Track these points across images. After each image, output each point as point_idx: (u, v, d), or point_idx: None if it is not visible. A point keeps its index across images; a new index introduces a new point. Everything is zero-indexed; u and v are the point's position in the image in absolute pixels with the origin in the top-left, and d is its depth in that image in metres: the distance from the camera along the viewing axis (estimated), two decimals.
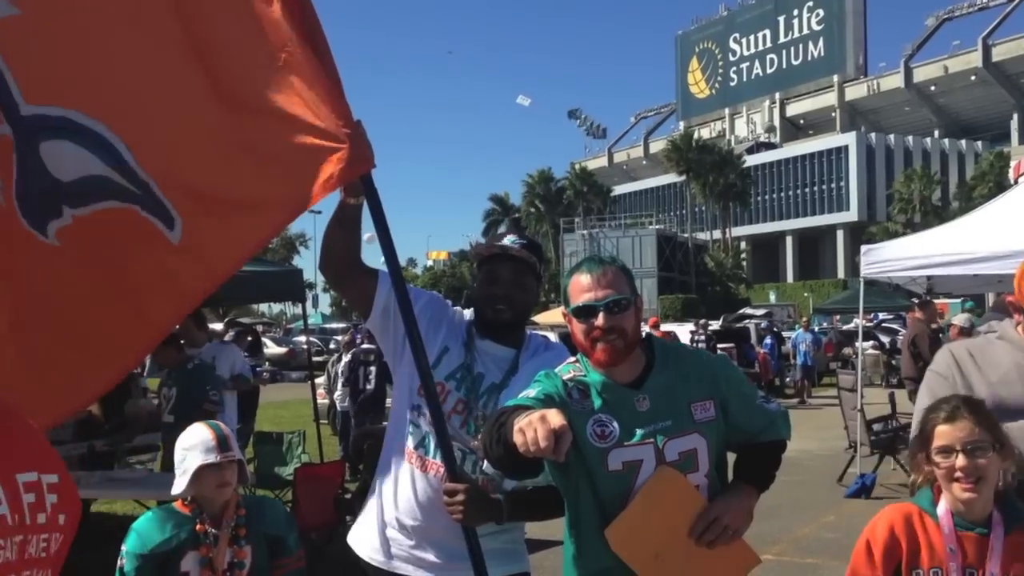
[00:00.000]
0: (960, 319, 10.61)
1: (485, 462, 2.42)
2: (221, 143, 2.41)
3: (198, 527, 3.10)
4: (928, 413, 2.28)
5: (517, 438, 1.91)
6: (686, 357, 2.42)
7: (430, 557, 2.59)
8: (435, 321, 2.64)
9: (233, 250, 2.51)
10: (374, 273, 2.71)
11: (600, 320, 2.25)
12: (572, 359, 2.40)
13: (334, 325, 44.04)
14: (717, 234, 76.58)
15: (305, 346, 34.92)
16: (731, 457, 2.46)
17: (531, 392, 2.24)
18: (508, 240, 2.69)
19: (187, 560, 3.06)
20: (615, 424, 2.24)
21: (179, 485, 3.10)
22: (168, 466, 6.84)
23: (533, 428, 1.87)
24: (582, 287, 2.30)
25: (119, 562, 3.04)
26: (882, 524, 2.30)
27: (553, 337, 3.12)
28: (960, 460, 2.17)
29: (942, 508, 2.23)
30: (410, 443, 2.62)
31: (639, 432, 2.24)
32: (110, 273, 2.64)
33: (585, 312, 2.28)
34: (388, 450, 2.73)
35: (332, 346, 32.46)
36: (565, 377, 2.30)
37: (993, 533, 2.17)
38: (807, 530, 8.26)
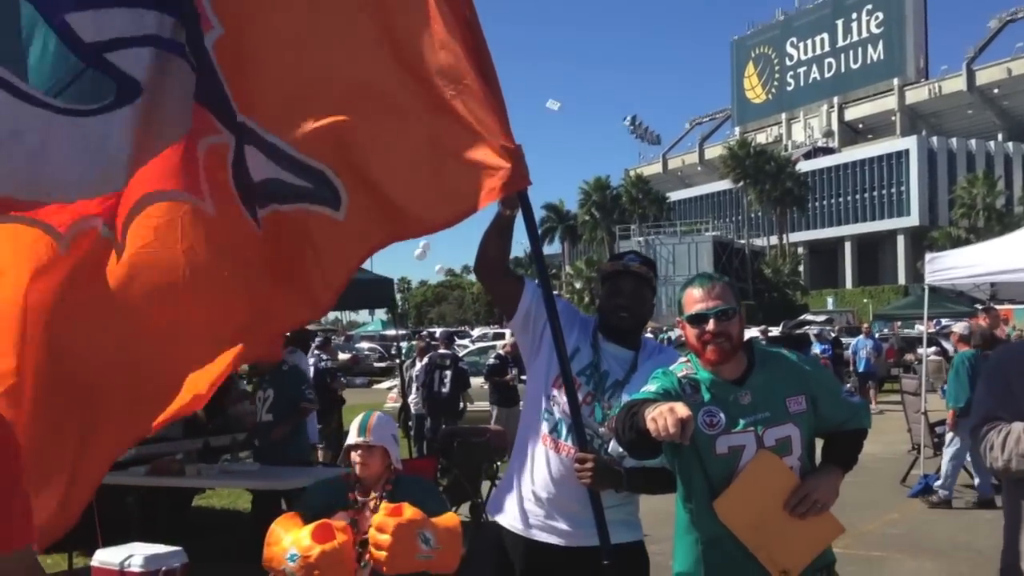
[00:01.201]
0: (960, 327, 10.81)
1: (610, 444, 2.89)
2: (399, 149, 2.89)
3: (349, 495, 3.80)
4: None
5: (650, 425, 2.35)
6: (781, 359, 2.84)
7: (562, 525, 3.05)
8: (568, 325, 3.09)
9: (393, 230, 3.00)
10: (521, 279, 3.22)
11: (711, 326, 2.68)
12: (684, 359, 2.83)
13: (391, 332, 44.83)
14: (774, 240, 76.05)
15: (368, 352, 35.84)
16: (819, 443, 2.89)
17: (651, 387, 2.68)
18: (628, 259, 3.17)
19: (337, 518, 3.69)
20: (722, 415, 2.67)
21: (340, 456, 3.95)
22: (267, 461, 7.40)
23: (664, 417, 2.30)
24: (695, 298, 2.75)
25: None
26: None
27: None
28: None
29: None
30: (545, 428, 3.09)
31: (742, 422, 2.68)
32: (285, 259, 3.08)
33: (698, 319, 2.71)
34: (523, 434, 3.20)
35: (392, 351, 33.17)
36: (679, 375, 2.74)
37: None
38: (872, 527, 8.56)
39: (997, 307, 13.53)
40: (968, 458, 9.61)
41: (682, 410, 2.32)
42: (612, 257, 3.35)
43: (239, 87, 3.02)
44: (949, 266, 10.09)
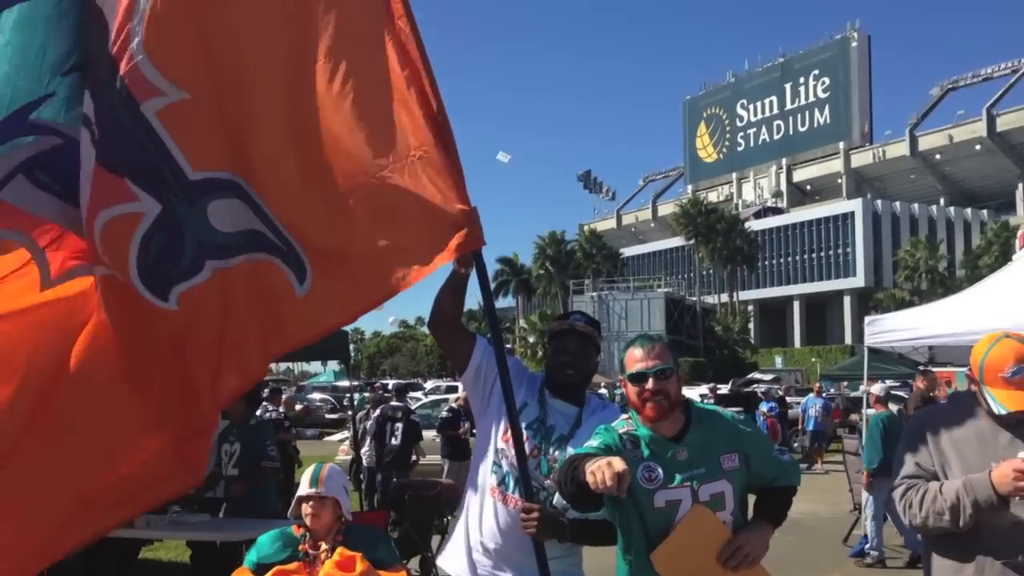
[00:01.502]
0: (876, 389, 11.36)
1: (555, 496, 3.03)
2: (360, 211, 3.00)
3: (301, 547, 3.84)
4: None
5: (589, 478, 2.50)
6: (716, 417, 3.01)
7: (507, 575, 3.18)
8: (517, 381, 3.24)
9: (351, 305, 3.10)
10: (473, 336, 3.38)
11: (650, 384, 2.85)
12: (625, 416, 2.99)
13: (344, 383, 44.55)
14: (724, 297, 77.09)
15: (319, 404, 35.55)
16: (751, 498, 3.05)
17: (594, 442, 2.84)
18: (574, 319, 3.34)
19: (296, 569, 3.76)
20: (660, 470, 2.83)
21: (291, 508, 3.93)
22: (235, 515, 7.39)
23: (602, 471, 2.46)
24: (636, 358, 2.92)
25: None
26: None
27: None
28: None
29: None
30: (493, 480, 3.22)
31: (679, 477, 2.83)
32: (222, 326, 3.17)
33: (638, 378, 2.88)
34: (472, 486, 3.33)
35: (345, 403, 32.95)
36: (620, 431, 2.90)
37: None
38: None
39: (939, 369, 13.92)
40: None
41: (619, 464, 2.47)
42: (559, 317, 3.51)
43: (199, 144, 3.11)
44: (888, 328, 10.39)
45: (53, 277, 3.12)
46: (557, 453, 3.18)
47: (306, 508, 3.87)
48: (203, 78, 3.10)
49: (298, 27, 3.10)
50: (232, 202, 3.13)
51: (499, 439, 3.23)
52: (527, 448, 3.13)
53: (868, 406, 13.12)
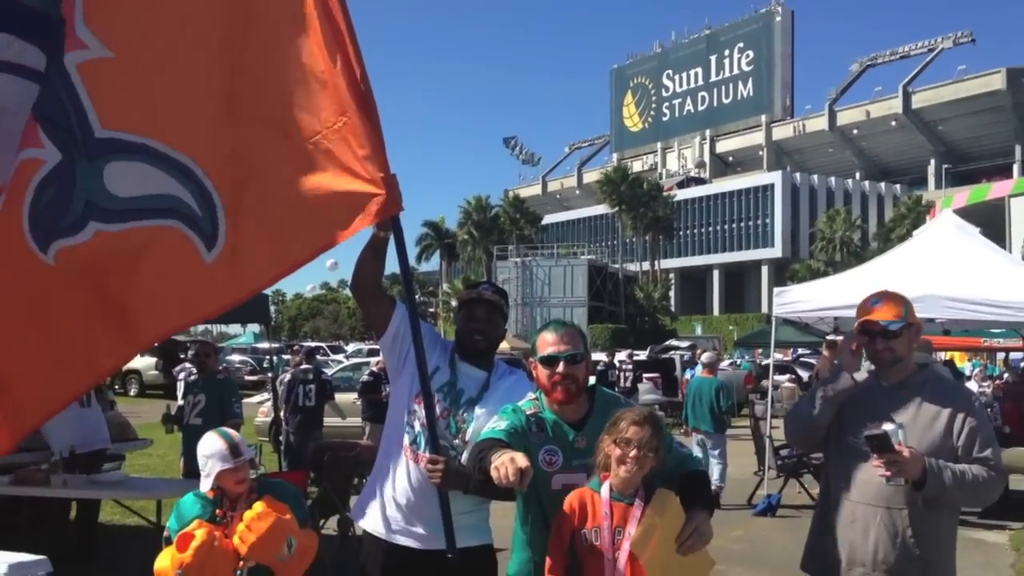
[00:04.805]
0: (705, 357, 12.53)
1: (463, 456, 3.22)
2: (283, 176, 3.12)
3: (217, 512, 3.89)
4: (626, 412, 2.92)
5: (493, 473, 2.66)
6: (619, 408, 3.05)
7: (419, 530, 3.35)
8: (430, 347, 3.40)
9: (271, 268, 3.23)
10: (393, 300, 3.51)
11: (560, 368, 3.01)
12: (532, 396, 3.14)
13: (264, 345, 44.11)
14: (647, 266, 78.21)
15: (239, 365, 35.21)
16: None
17: (501, 424, 2.99)
18: (483, 288, 3.53)
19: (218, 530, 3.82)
20: (560, 455, 3.02)
21: (205, 485, 3.89)
22: (191, 463, 7.49)
23: (505, 467, 2.61)
24: (547, 342, 3.06)
25: (164, 532, 3.84)
26: (564, 504, 2.95)
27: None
28: (633, 452, 2.81)
29: (605, 487, 2.90)
30: (406, 440, 3.39)
31: (575, 463, 3.00)
32: (102, 290, 3.26)
33: (549, 361, 3.03)
34: (386, 445, 3.50)
35: (264, 365, 32.69)
36: (528, 412, 3.06)
37: (636, 503, 2.86)
38: (717, 543, 9.04)
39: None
40: None
41: (521, 460, 2.62)
42: (468, 286, 3.68)
43: (125, 104, 3.20)
44: (794, 299, 10.81)
45: None
46: (465, 415, 3.36)
47: (232, 478, 3.86)
48: (134, 41, 3.19)
49: (228, 2, 3.20)
50: (135, 165, 3.20)
51: (411, 401, 3.39)
52: (438, 410, 3.31)
53: (771, 373, 13.69)
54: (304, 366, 12.93)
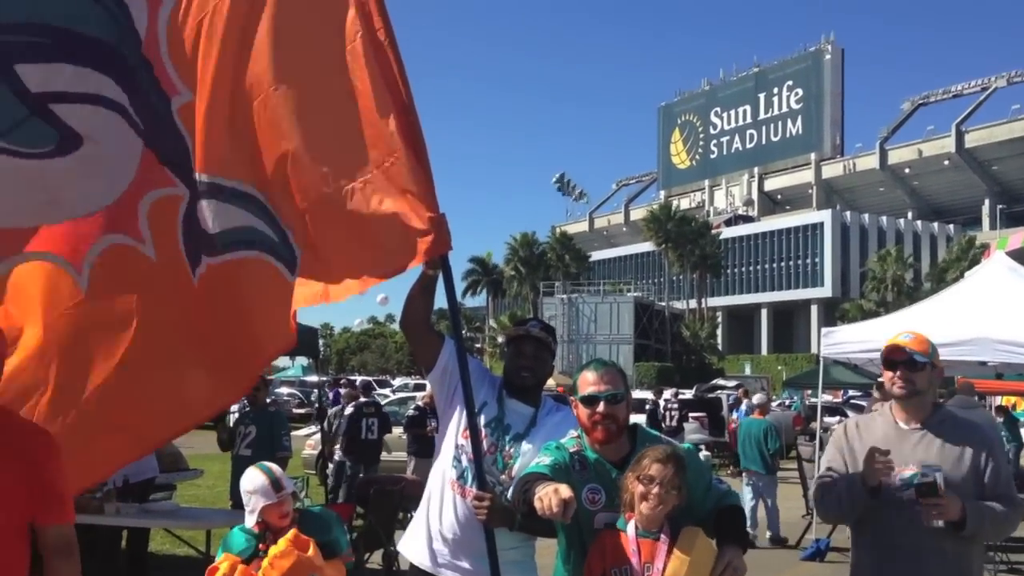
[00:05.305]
0: (757, 398, 12.89)
1: (509, 491, 3.26)
2: (335, 213, 3.24)
3: (260, 546, 3.96)
4: (649, 450, 2.96)
5: (537, 504, 2.70)
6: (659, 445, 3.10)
7: (465, 564, 3.41)
8: (478, 382, 3.48)
9: (320, 298, 3.35)
10: (442, 336, 3.60)
11: (601, 408, 3.03)
12: (575, 434, 3.16)
13: (312, 378, 44.48)
14: (693, 303, 77.66)
15: (287, 398, 35.55)
16: None
17: (545, 460, 3.03)
18: (531, 325, 3.60)
19: (255, 566, 3.92)
20: (603, 493, 3.03)
21: (249, 520, 4.00)
22: (237, 494, 7.63)
23: (549, 497, 2.65)
24: (588, 381, 3.09)
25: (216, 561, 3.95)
26: (593, 545, 2.99)
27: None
28: (655, 489, 2.85)
29: (631, 524, 2.92)
30: (453, 474, 3.46)
31: (618, 502, 2.99)
32: (231, 312, 3.43)
33: (589, 401, 3.06)
34: (434, 479, 3.57)
35: (312, 398, 32.97)
36: (571, 450, 3.09)
37: (661, 538, 2.87)
38: None
39: None
40: None
41: (565, 492, 2.65)
42: (517, 323, 3.75)
43: (204, 146, 3.35)
44: (843, 340, 10.69)
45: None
46: (512, 450, 3.42)
47: (275, 512, 3.95)
48: (206, 83, 3.34)
49: (282, 44, 3.33)
50: (212, 203, 3.36)
51: (459, 435, 3.46)
52: (485, 445, 3.37)
53: (820, 415, 13.54)
54: (363, 399, 13.13)
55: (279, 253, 3.38)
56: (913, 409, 3.43)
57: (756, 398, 13.16)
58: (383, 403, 19.19)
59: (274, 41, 3.33)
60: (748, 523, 11.34)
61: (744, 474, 12.08)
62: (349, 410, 12.90)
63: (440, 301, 3.55)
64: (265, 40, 3.34)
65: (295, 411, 33.96)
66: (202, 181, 3.37)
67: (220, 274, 3.41)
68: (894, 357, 3.39)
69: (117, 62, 3.31)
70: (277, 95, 3.32)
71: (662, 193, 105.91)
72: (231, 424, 9.16)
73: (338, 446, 12.93)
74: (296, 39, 3.34)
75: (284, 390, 38.08)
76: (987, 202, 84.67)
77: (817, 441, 12.24)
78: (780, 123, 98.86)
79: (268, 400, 9.37)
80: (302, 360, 44.25)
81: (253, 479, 4.00)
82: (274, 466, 4.13)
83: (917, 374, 3.37)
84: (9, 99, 3.15)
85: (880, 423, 3.51)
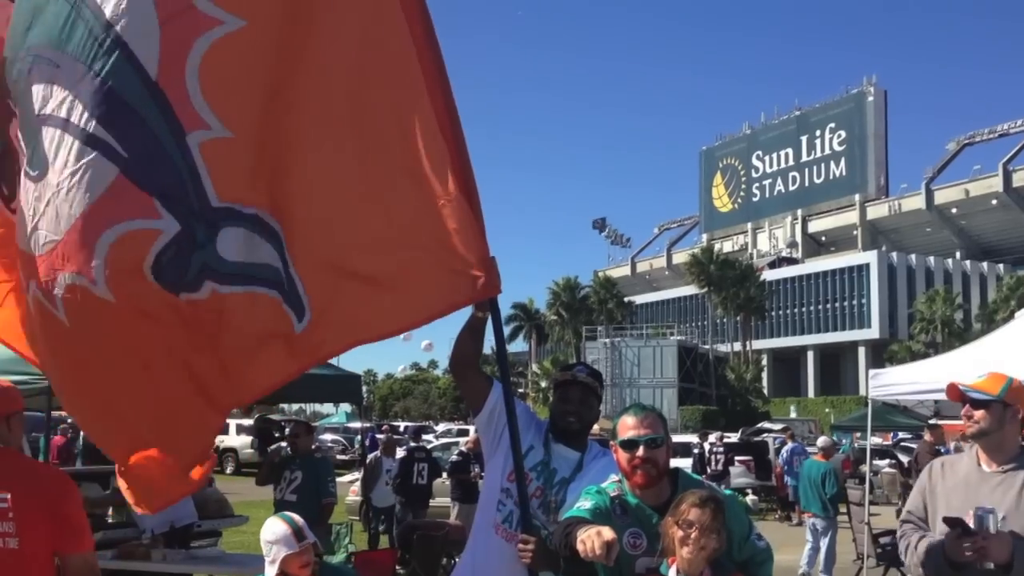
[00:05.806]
0: (821, 442, 13.17)
1: (551, 536, 3.26)
2: (386, 253, 3.24)
3: None
4: (687, 494, 2.93)
5: (579, 546, 2.70)
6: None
7: None
8: (525, 426, 3.50)
9: (359, 334, 3.35)
10: (490, 379, 3.64)
11: (640, 452, 3.03)
12: (616, 478, 3.16)
13: (356, 424, 44.65)
14: (738, 346, 76.91)
15: (331, 444, 35.67)
16: None
17: (586, 504, 3.03)
18: (577, 370, 3.61)
19: None
20: (644, 538, 3.02)
21: (270, 572, 3.93)
22: None
23: (592, 539, 2.66)
24: (628, 425, 3.09)
25: None
26: None
27: None
28: (694, 533, 2.82)
29: (672, 569, 2.88)
30: (498, 518, 3.47)
31: (660, 547, 2.97)
32: (213, 344, 3.40)
33: (629, 445, 3.06)
34: (479, 522, 3.58)
35: (356, 445, 33.03)
36: (612, 494, 3.09)
37: None
38: None
39: (949, 423, 14.02)
40: None
41: (608, 534, 2.66)
42: (563, 367, 3.78)
43: (230, 177, 3.32)
44: (891, 382, 10.51)
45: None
46: (558, 495, 3.43)
47: (296, 562, 3.88)
48: (250, 121, 3.34)
49: (337, 83, 3.35)
50: (243, 232, 3.33)
51: (505, 479, 3.48)
52: (530, 488, 3.38)
53: (869, 458, 13.34)
54: (413, 444, 13.26)
55: (289, 299, 3.34)
56: (992, 450, 3.36)
57: (821, 441, 13.32)
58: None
59: (335, 84, 3.34)
60: (804, 562, 11.55)
61: (805, 516, 12.43)
62: (401, 454, 13.01)
63: (486, 345, 3.58)
64: (326, 84, 3.35)
65: (339, 457, 34.09)
66: (232, 208, 3.33)
67: (222, 303, 3.36)
68: (949, 397, 3.38)
69: (96, 86, 3.28)
70: (334, 136, 3.33)
71: (704, 236, 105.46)
72: (274, 459, 9.17)
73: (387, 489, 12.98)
74: (356, 83, 3.34)
75: (328, 436, 38.23)
76: None
77: (867, 484, 11.99)
78: (823, 165, 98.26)
79: (313, 447, 9.41)
80: (346, 407, 44.51)
81: (274, 529, 3.92)
82: (295, 516, 4.06)
83: (978, 412, 3.32)
84: (31, 122, 3.37)
85: (964, 464, 3.46)
